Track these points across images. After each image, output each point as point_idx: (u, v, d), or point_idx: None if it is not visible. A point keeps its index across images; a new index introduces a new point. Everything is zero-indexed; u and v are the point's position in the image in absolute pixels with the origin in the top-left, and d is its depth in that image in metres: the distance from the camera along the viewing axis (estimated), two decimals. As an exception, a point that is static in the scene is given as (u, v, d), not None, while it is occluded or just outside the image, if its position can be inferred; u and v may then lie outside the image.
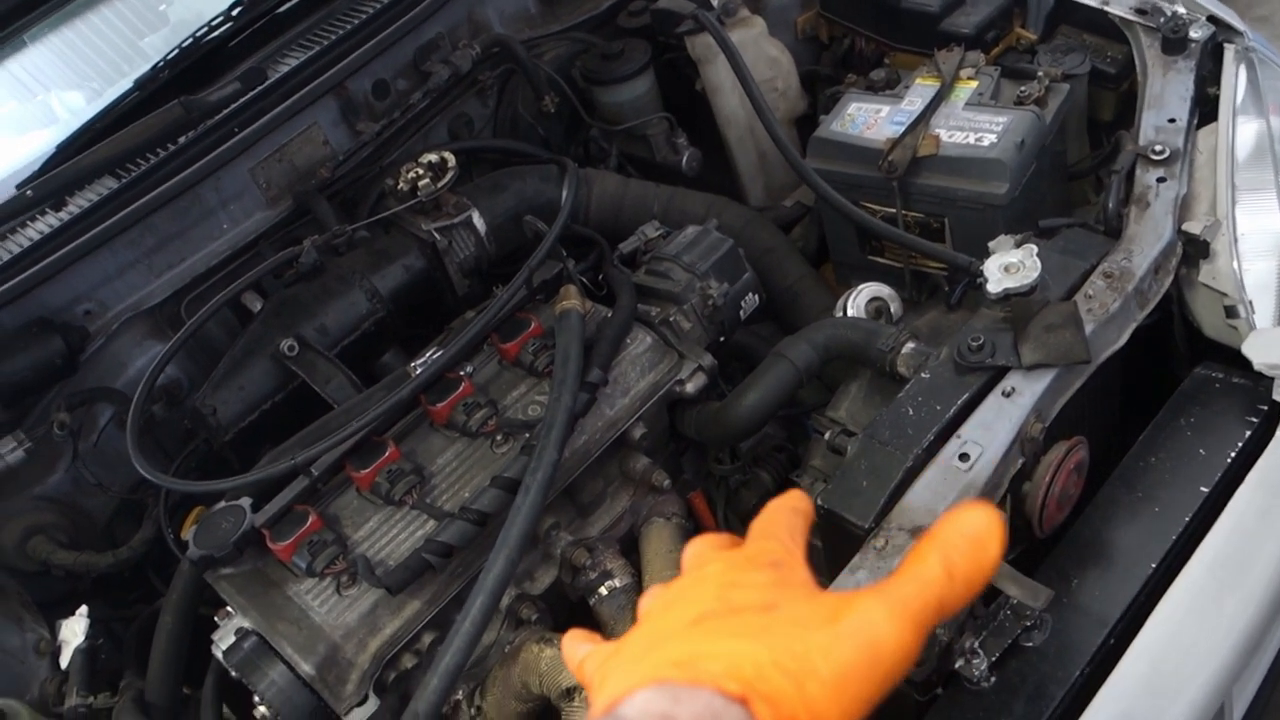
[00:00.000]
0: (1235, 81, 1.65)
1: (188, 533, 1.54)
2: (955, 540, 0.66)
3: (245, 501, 1.48)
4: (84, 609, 1.60)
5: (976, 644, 1.29)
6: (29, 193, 1.82)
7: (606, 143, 2.24)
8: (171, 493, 1.74)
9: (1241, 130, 1.61)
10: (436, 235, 1.85)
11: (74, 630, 1.59)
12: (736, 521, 1.74)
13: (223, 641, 1.44)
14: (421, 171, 1.84)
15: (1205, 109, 1.67)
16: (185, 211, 1.90)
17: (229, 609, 1.47)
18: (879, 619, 0.63)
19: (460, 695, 1.46)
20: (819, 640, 0.62)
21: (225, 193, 1.93)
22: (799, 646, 0.61)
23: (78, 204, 1.85)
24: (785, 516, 0.76)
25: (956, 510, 0.68)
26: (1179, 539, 1.39)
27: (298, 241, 1.84)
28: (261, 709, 1.42)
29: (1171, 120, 1.63)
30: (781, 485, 1.76)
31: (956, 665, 1.29)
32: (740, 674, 0.60)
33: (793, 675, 0.60)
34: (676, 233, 1.78)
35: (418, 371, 1.55)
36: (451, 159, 1.85)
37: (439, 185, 1.82)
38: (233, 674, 1.42)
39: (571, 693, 1.34)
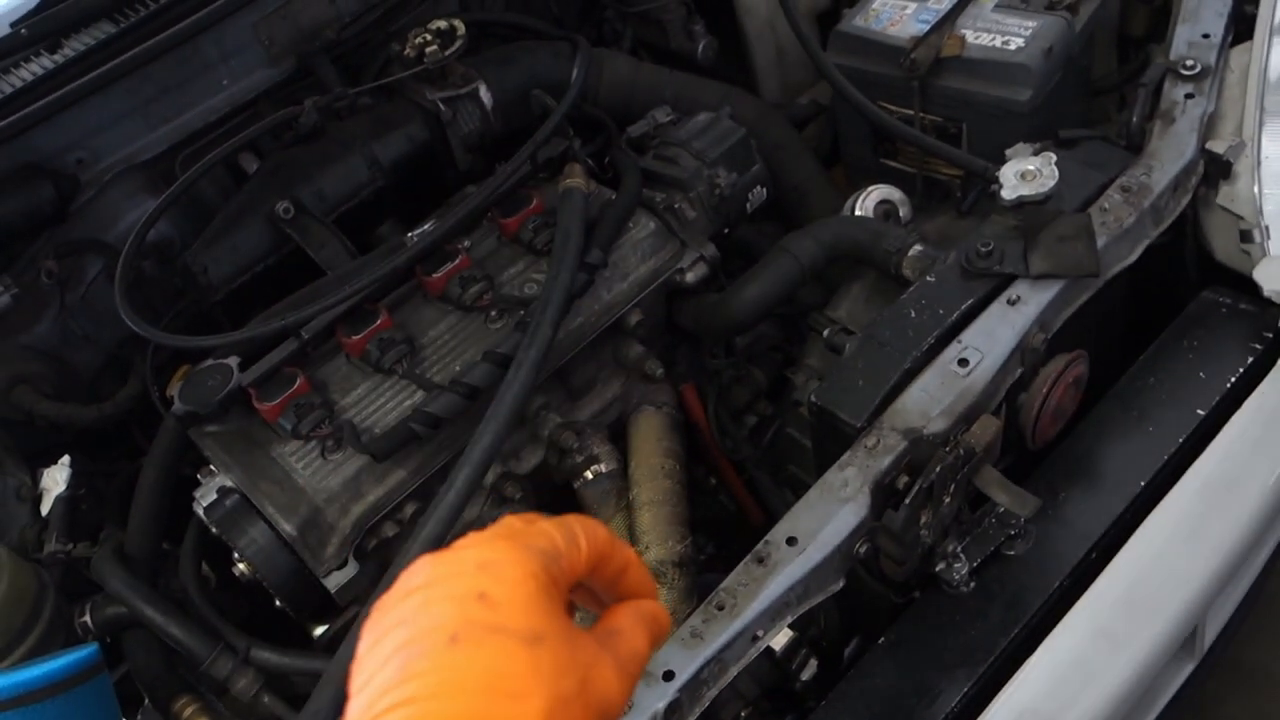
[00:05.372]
0: (1274, 1, 1.59)
1: (173, 390, 1.52)
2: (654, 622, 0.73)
3: (233, 360, 1.46)
4: (66, 458, 1.59)
5: (959, 549, 1.29)
6: (23, 31, 1.76)
7: (621, 25, 2.17)
8: (158, 351, 1.72)
9: (1276, 52, 1.56)
10: (441, 105, 1.80)
11: (55, 478, 1.58)
12: (727, 417, 1.73)
13: (204, 498, 1.43)
14: (430, 38, 1.78)
15: (1241, 28, 1.61)
16: (184, 63, 1.83)
17: (211, 467, 1.46)
18: (616, 692, 0.66)
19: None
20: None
21: (226, 46, 1.86)
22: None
23: (74, 47, 1.78)
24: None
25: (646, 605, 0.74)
26: (1170, 460, 1.38)
27: (298, 103, 1.79)
28: (241, 566, 1.42)
29: (1205, 36, 1.58)
30: (775, 383, 1.74)
31: (937, 568, 1.29)
32: None
33: None
34: (687, 119, 1.73)
35: (414, 240, 1.52)
36: (461, 26, 1.79)
37: (446, 53, 1.76)
38: (213, 530, 1.41)
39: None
